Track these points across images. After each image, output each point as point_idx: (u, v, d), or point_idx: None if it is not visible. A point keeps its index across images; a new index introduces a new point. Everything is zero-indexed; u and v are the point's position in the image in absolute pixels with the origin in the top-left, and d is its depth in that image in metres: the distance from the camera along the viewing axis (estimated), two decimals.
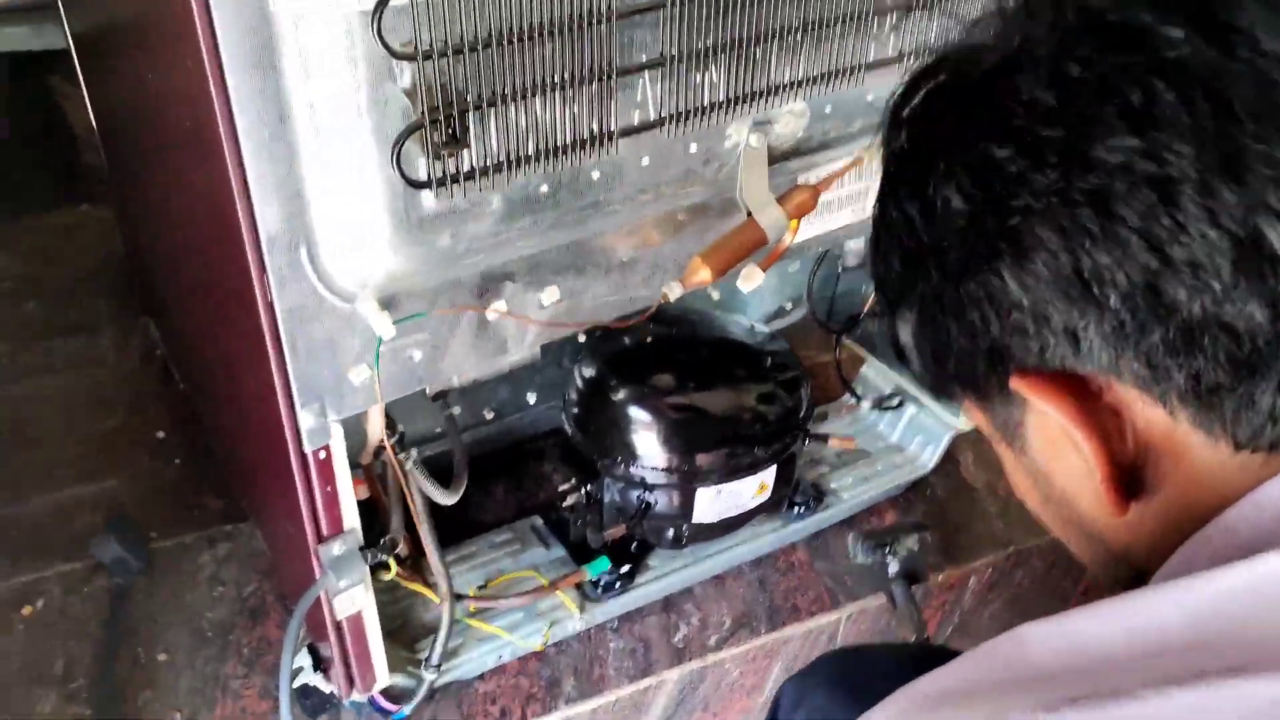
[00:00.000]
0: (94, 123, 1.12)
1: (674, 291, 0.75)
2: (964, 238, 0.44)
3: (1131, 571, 0.49)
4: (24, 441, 1.12)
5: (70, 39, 1.08)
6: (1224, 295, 0.39)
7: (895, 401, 1.11)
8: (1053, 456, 0.48)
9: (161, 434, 1.14)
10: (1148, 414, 0.43)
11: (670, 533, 0.95)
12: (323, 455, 0.72)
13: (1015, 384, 0.45)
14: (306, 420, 0.69)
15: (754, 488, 0.94)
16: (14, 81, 1.66)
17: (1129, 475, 0.45)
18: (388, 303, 0.67)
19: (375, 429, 0.78)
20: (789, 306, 1.18)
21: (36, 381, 1.20)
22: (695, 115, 0.69)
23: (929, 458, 1.10)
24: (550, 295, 0.74)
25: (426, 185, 0.61)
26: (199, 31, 0.55)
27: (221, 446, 1.05)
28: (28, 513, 1.04)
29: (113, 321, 1.29)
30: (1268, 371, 0.40)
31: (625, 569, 0.95)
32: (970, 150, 0.43)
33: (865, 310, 1.06)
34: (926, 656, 0.72)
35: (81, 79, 1.10)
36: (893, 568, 0.95)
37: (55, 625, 0.94)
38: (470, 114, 0.60)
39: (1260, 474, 0.42)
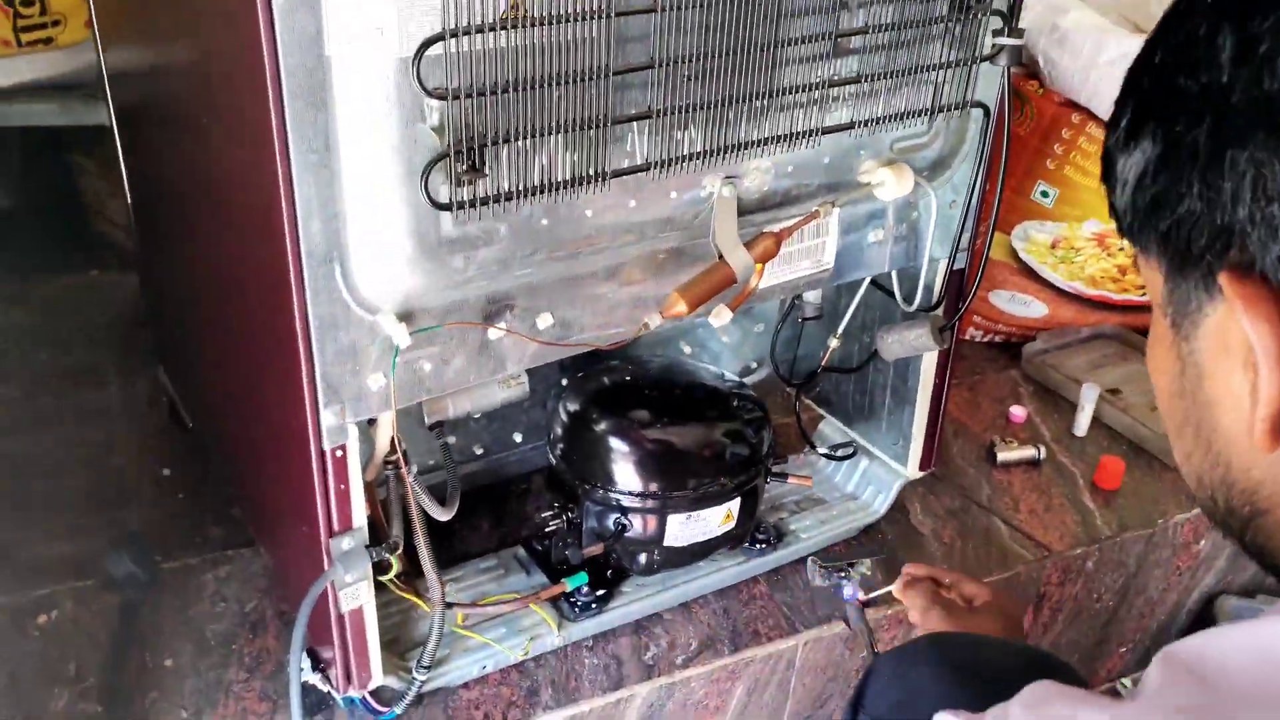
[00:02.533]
0: (127, 191, 1.23)
1: (654, 321, 0.86)
2: (1269, 106, 0.39)
3: (1244, 506, 0.46)
4: (38, 476, 1.19)
5: (113, 114, 1.19)
6: None
7: (850, 450, 1.21)
8: (1218, 360, 0.44)
9: (167, 471, 1.22)
10: None
11: (643, 557, 1.04)
12: (339, 454, 0.81)
13: (1226, 279, 0.41)
14: (328, 419, 0.78)
15: (721, 516, 1.03)
16: (32, 156, 1.77)
17: None
18: (404, 317, 0.77)
19: (384, 440, 0.87)
20: (754, 365, 1.29)
21: (49, 424, 1.28)
22: (676, 163, 0.80)
23: (880, 505, 1.20)
24: (545, 320, 0.84)
25: (448, 208, 0.72)
26: (267, 72, 0.67)
27: (231, 472, 1.13)
28: (41, 536, 1.11)
29: (121, 372, 1.38)
30: None
31: (601, 592, 1.04)
32: None
33: (823, 364, 1.16)
34: (1038, 661, 0.72)
35: (120, 149, 1.20)
36: (848, 590, 1.03)
37: (69, 633, 1.01)
38: (488, 149, 0.71)
39: None
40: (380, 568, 0.89)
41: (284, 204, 0.71)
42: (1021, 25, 0.91)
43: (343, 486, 0.82)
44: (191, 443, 1.24)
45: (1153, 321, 0.48)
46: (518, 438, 1.16)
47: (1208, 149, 0.41)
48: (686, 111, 0.78)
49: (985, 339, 1.59)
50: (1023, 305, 1.55)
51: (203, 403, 1.19)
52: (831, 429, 1.27)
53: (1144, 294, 1.52)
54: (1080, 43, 1.38)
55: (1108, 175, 0.47)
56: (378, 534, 0.94)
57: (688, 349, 1.21)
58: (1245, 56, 0.39)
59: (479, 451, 1.15)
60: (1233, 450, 0.45)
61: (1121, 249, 1.47)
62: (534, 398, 1.12)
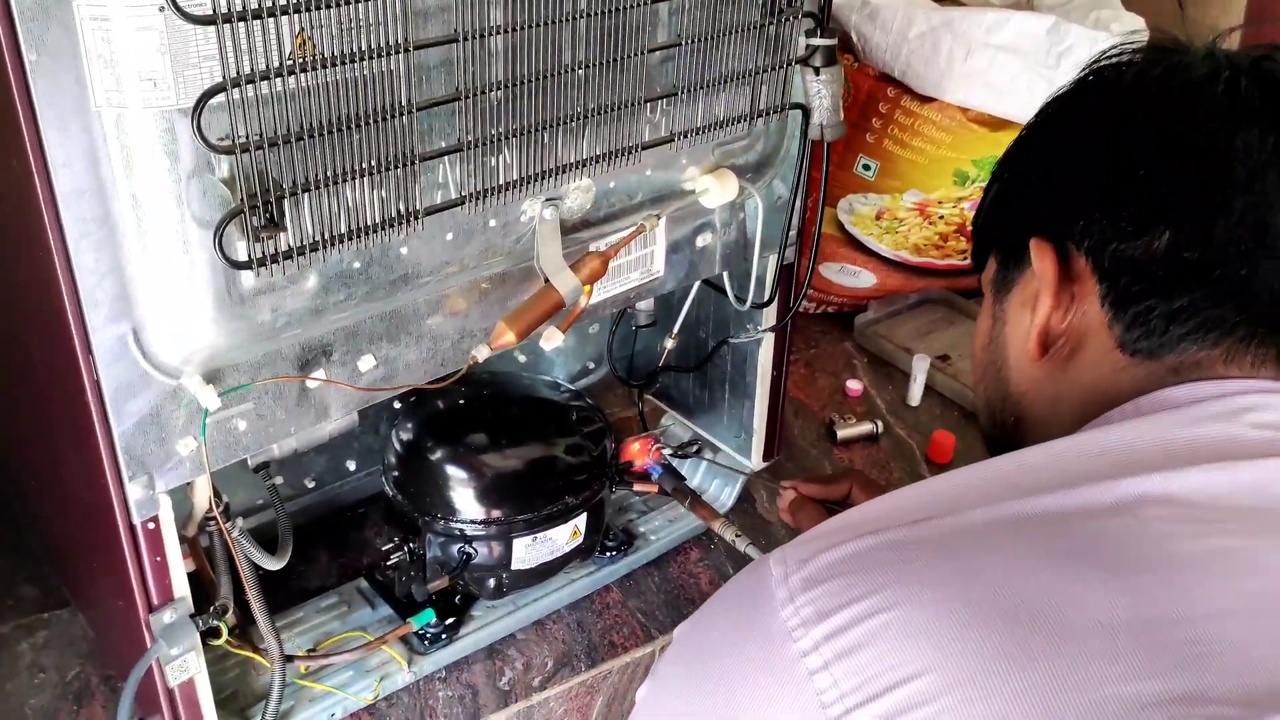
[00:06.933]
0: None
1: (482, 353, 0.83)
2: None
3: (1010, 416, 0.68)
4: None
5: None
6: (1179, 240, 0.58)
7: (694, 449, 1.21)
8: (1017, 309, 0.66)
9: None
10: (1089, 305, 0.61)
11: (491, 582, 1.01)
12: (151, 526, 0.75)
13: (1034, 242, 0.63)
14: (135, 493, 0.73)
15: (568, 533, 1.01)
16: None
17: (1054, 338, 0.63)
18: (212, 376, 0.72)
19: (202, 499, 0.81)
20: (591, 366, 1.27)
21: None
22: (492, 194, 0.76)
23: (727, 498, 1.20)
24: (366, 363, 0.80)
25: (247, 266, 0.67)
26: (25, 132, 0.60)
27: (39, 533, 1.05)
28: None
29: None
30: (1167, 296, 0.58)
31: (450, 621, 1.01)
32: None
33: (662, 363, 1.15)
34: None
35: None
36: None
37: None
38: (286, 199, 0.66)
39: (1128, 375, 0.60)
40: (211, 633, 0.84)
41: (60, 274, 0.64)
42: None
43: (159, 559, 0.77)
44: None
45: (982, 306, 0.72)
46: (351, 465, 1.11)
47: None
48: (499, 140, 0.75)
49: (818, 310, 1.61)
50: (852, 276, 1.57)
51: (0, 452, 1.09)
52: (674, 422, 1.27)
53: (964, 258, 1.56)
54: (890, 18, 1.38)
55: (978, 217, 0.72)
56: (205, 590, 0.89)
57: (523, 357, 1.18)
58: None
59: (310, 485, 1.10)
60: (1011, 372, 0.67)
61: (941, 217, 1.50)
62: (365, 423, 1.08)
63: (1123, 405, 0.58)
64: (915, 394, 1.41)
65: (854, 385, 1.43)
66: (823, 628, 0.50)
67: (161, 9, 0.59)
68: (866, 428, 1.35)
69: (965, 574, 0.49)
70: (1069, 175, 0.64)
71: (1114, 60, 0.64)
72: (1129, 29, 1.38)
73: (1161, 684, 0.45)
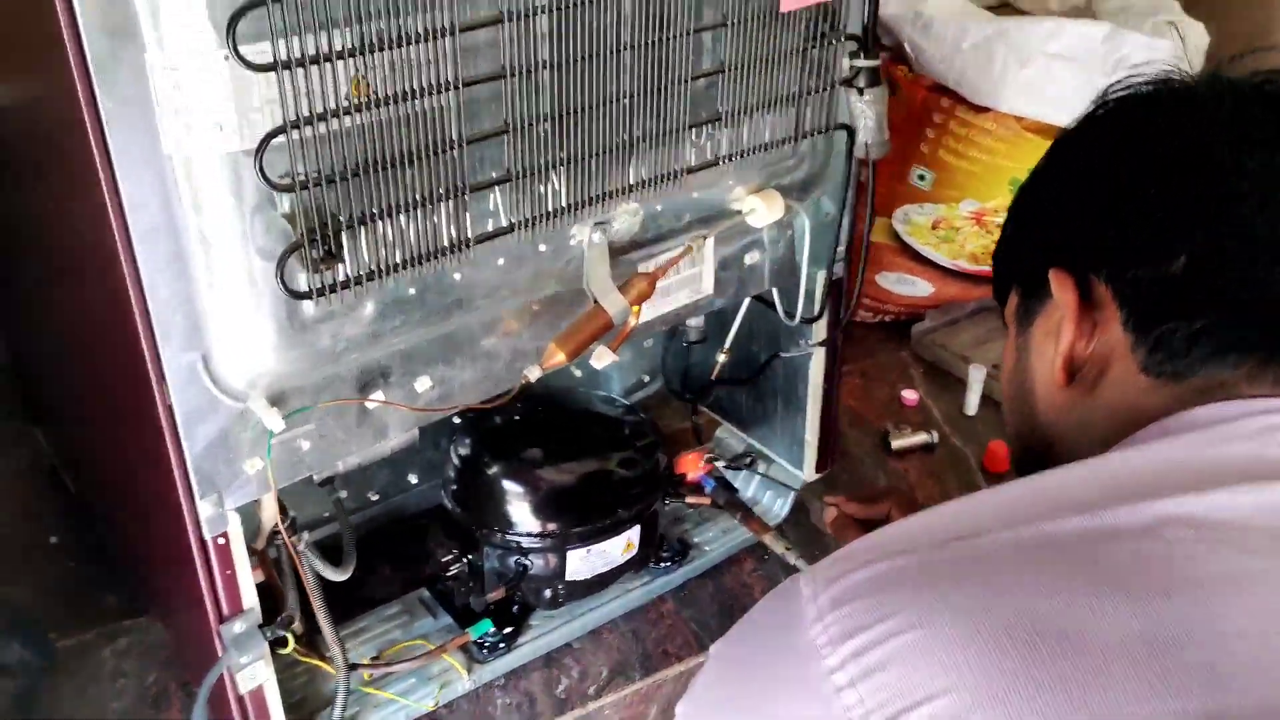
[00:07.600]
0: None
1: (533, 374, 0.85)
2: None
3: (1041, 443, 0.69)
4: None
5: None
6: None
7: (747, 460, 1.23)
8: (1041, 339, 0.67)
9: (55, 539, 1.18)
10: (1112, 331, 0.62)
11: (547, 593, 1.04)
12: (221, 541, 0.79)
13: (1053, 273, 0.64)
14: (205, 510, 0.77)
15: (622, 545, 1.04)
16: None
17: (1079, 366, 0.64)
18: (276, 399, 0.76)
19: (269, 515, 0.85)
20: (646, 379, 1.29)
21: None
22: (542, 221, 0.79)
23: (780, 509, 1.21)
24: (423, 384, 0.83)
25: (307, 296, 0.70)
26: (101, 176, 0.64)
27: (120, 543, 1.10)
28: None
29: None
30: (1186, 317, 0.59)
31: (508, 630, 1.04)
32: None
33: (714, 377, 1.17)
34: None
35: None
36: None
37: None
38: (343, 232, 0.70)
39: (1154, 398, 0.61)
40: (279, 642, 0.88)
41: (135, 306, 0.68)
42: (886, 12, 0.92)
43: (229, 572, 0.81)
44: (76, 506, 1.21)
45: (1009, 332, 0.73)
46: (413, 479, 1.15)
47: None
48: (547, 168, 0.77)
49: (875, 320, 1.62)
50: (909, 285, 1.57)
51: (82, 470, 1.15)
52: (728, 434, 1.28)
53: None
54: (943, 30, 1.39)
55: (999, 253, 0.75)
56: (274, 601, 0.93)
57: (578, 372, 1.21)
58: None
59: (374, 498, 1.13)
60: (1039, 401, 0.68)
61: (998, 226, 1.49)
62: (425, 439, 1.11)
63: (1149, 427, 0.59)
64: (972, 403, 1.41)
65: (910, 395, 1.44)
66: (849, 646, 0.52)
67: (227, 58, 0.62)
68: (922, 438, 1.35)
69: (988, 596, 0.51)
70: (1084, 205, 0.65)
71: (1120, 93, 0.66)
72: (1190, 34, 1.37)
73: (1182, 703, 0.46)
